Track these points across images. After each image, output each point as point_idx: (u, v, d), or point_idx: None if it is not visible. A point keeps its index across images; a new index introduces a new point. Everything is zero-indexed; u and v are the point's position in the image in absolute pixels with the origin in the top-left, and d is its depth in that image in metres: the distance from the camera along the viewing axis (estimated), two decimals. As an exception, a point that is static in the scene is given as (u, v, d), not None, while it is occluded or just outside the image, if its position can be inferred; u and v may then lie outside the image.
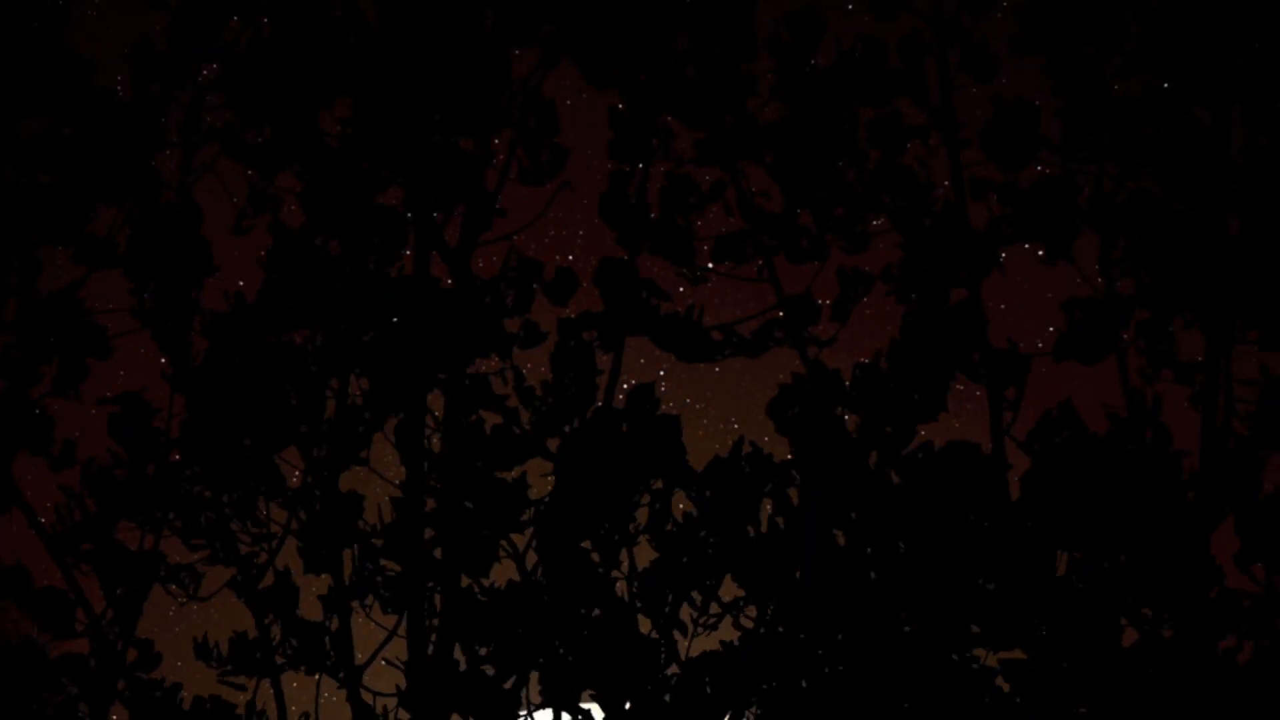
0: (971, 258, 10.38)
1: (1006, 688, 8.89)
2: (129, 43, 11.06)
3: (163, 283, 10.91)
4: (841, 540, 9.14)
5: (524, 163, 11.07)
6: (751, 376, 11.09)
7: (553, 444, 10.31)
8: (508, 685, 9.80)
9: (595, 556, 9.83)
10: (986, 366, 10.16)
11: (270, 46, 10.99)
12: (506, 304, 10.88)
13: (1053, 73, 10.51)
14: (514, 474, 10.35)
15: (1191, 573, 9.02)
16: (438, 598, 10.34)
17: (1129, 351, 10.33)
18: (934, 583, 8.87)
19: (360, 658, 10.44)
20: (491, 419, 10.55)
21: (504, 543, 10.26)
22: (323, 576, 10.53)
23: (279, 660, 10.46)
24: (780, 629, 9.03)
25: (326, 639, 10.45)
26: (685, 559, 9.52)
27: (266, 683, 10.45)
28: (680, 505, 9.84)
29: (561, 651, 9.50)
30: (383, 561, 10.48)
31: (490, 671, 9.73)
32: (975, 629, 8.93)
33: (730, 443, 9.79)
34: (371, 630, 10.48)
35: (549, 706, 9.66)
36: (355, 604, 10.47)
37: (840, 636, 8.88)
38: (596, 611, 9.60)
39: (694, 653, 9.46)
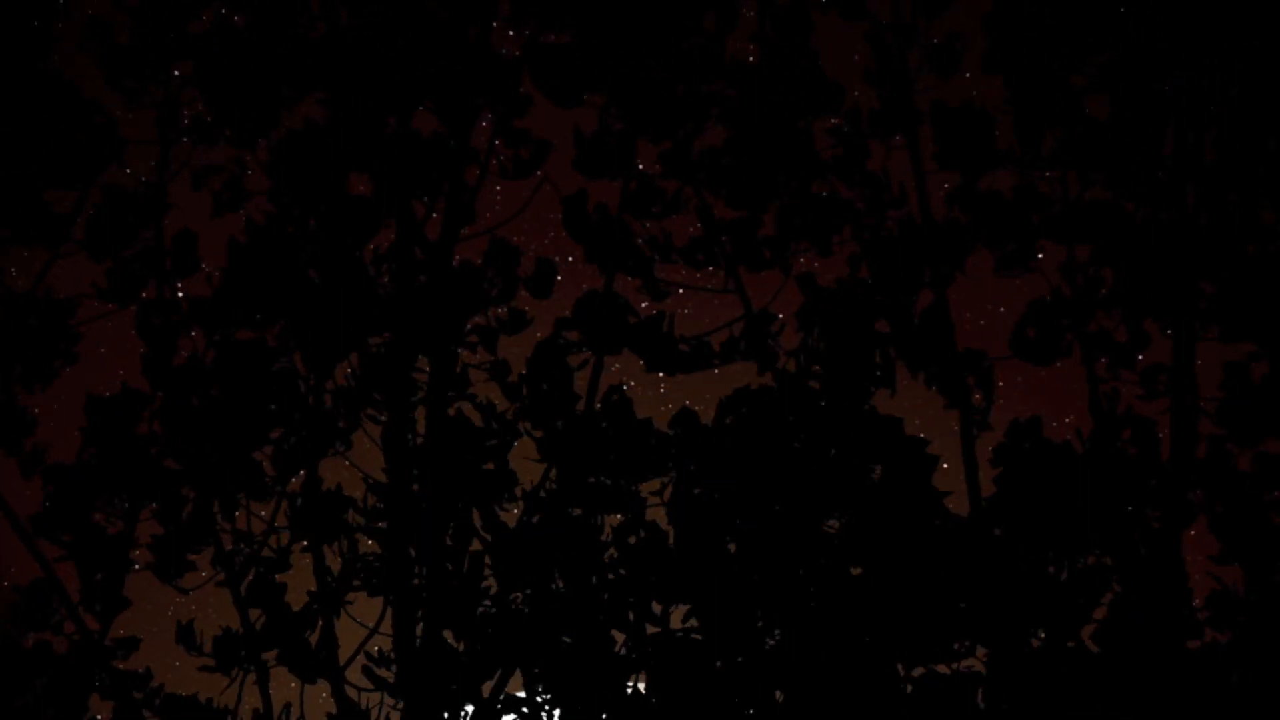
0: (936, 262, 10.34)
1: None
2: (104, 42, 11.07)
3: (131, 269, 10.86)
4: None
5: (504, 158, 11.03)
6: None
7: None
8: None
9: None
10: (953, 371, 10.12)
11: (243, 36, 10.97)
12: (490, 293, 10.85)
13: (1014, 87, 10.50)
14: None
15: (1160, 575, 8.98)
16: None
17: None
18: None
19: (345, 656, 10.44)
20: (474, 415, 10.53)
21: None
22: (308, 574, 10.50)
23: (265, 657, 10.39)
24: None
25: (310, 633, 10.37)
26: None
27: (251, 677, 10.43)
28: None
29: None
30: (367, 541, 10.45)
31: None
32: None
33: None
34: (355, 629, 10.52)
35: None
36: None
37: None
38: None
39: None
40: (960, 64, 10.80)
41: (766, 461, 9.07)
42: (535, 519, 9.92)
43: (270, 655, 10.43)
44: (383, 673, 10.16)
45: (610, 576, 9.36)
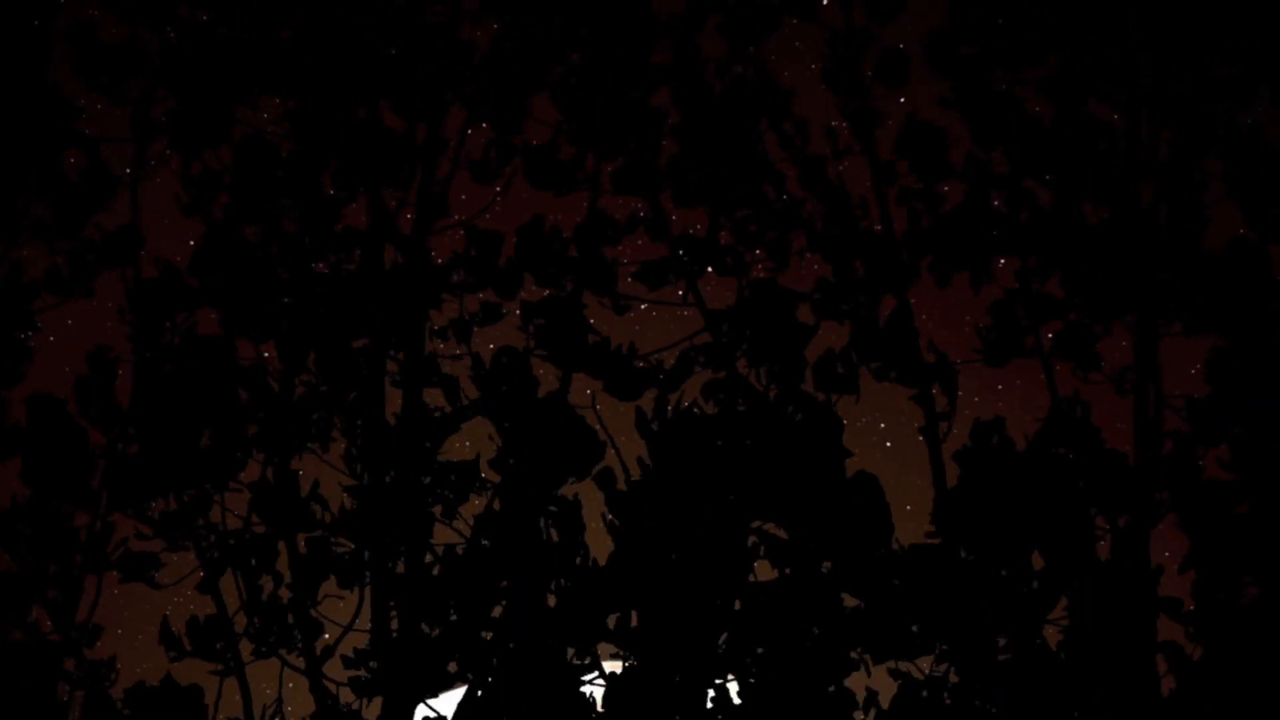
0: (896, 268, 10.46)
1: None
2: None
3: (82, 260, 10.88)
4: None
5: (474, 157, 11.12)
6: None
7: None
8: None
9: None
10: (918, 376, 10.27)
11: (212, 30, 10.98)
12: (463, 282, 10.96)
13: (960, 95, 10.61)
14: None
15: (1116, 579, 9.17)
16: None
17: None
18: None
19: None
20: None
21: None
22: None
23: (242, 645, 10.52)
24: None
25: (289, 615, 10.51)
26: None
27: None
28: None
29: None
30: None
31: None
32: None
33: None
34: (332, 622, 10.62)
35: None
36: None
37: None
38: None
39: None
40: (907, 75, 10.86)
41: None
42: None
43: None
44: (357, 672, 10.31)
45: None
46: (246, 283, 10.77)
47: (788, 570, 8.89)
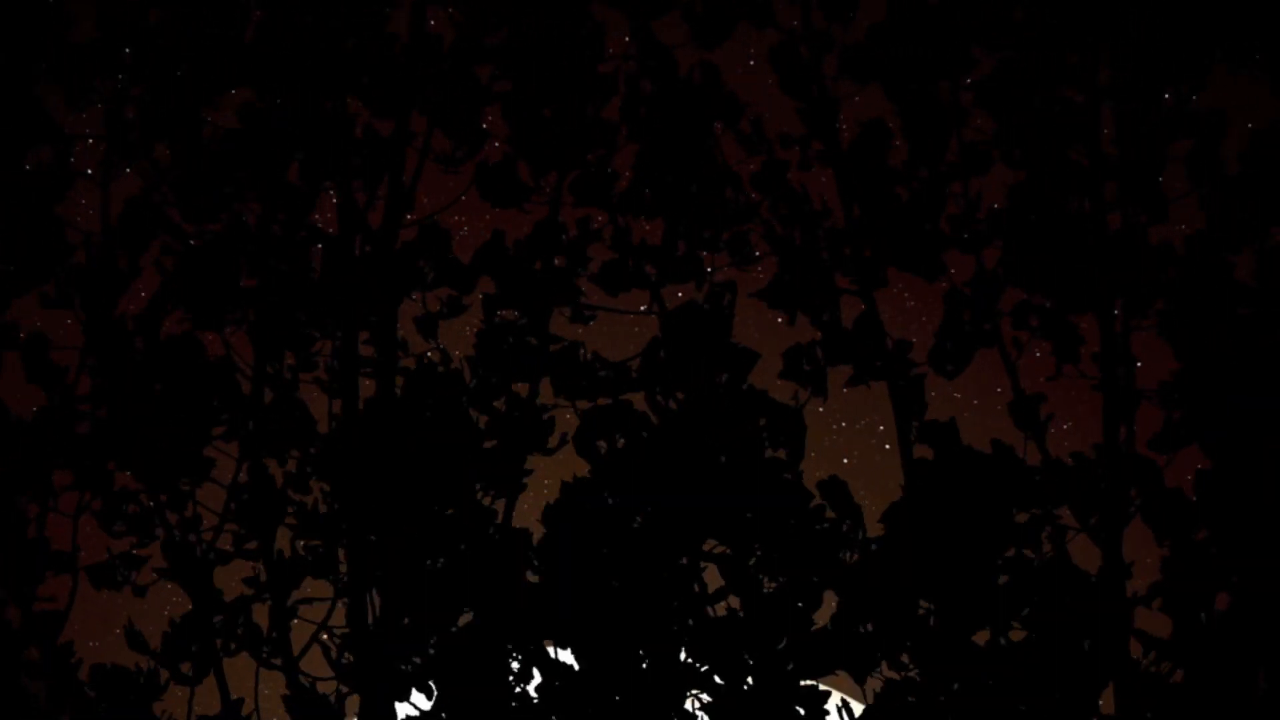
0: (860, 269, 10.53)
1: None
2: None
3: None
4: None
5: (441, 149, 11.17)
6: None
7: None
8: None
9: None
10: (885, 377, 10.37)
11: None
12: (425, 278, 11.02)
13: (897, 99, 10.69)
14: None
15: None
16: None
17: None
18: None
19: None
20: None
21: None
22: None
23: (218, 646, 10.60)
24: None
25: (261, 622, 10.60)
26: None
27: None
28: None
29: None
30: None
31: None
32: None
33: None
34: (305, 622, 10.70)
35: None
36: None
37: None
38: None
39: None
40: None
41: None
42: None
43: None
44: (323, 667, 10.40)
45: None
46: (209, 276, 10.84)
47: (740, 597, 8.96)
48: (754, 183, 10.76)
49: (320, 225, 11.13)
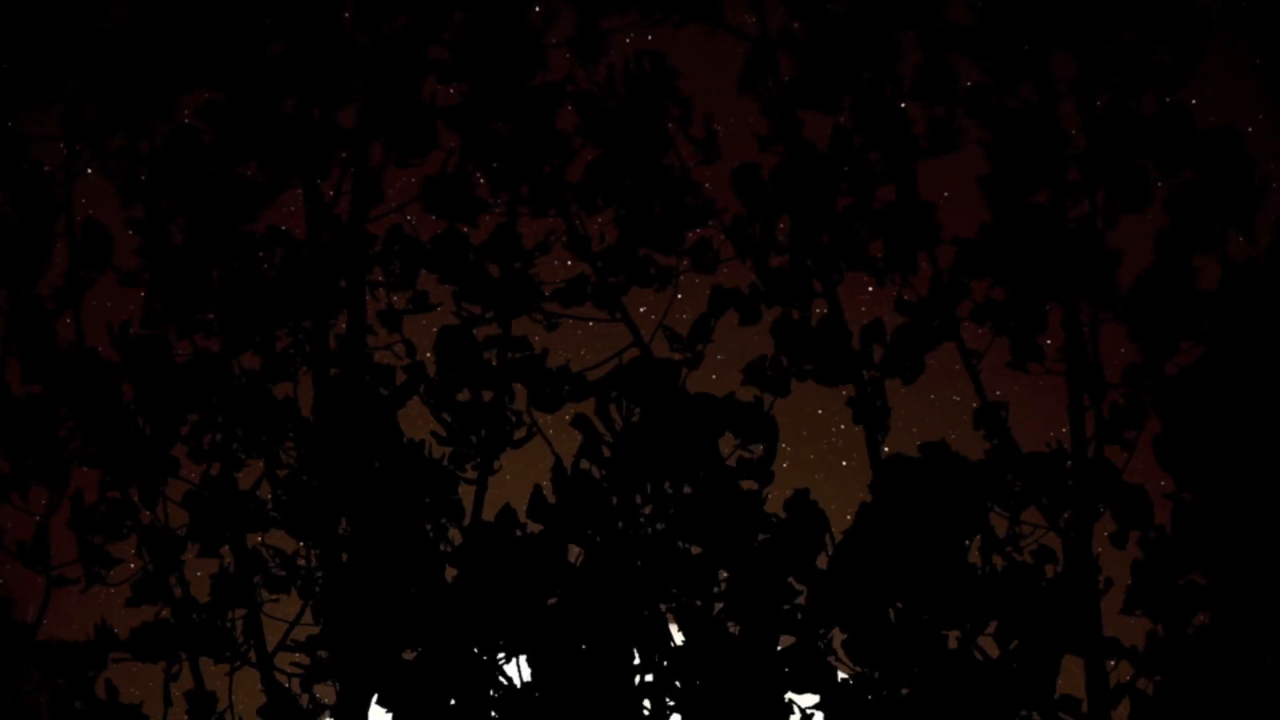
0: (824, 269, 10.56)
1: None
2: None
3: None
4: None
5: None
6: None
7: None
8: None
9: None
10: (849, 378, 10.42)
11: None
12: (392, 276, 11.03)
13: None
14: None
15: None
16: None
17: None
18: None
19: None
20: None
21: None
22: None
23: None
24: None
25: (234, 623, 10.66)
26: None
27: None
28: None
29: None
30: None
31: None
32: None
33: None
34: (278, 616, 10.78)
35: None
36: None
37: None
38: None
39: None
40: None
41: None
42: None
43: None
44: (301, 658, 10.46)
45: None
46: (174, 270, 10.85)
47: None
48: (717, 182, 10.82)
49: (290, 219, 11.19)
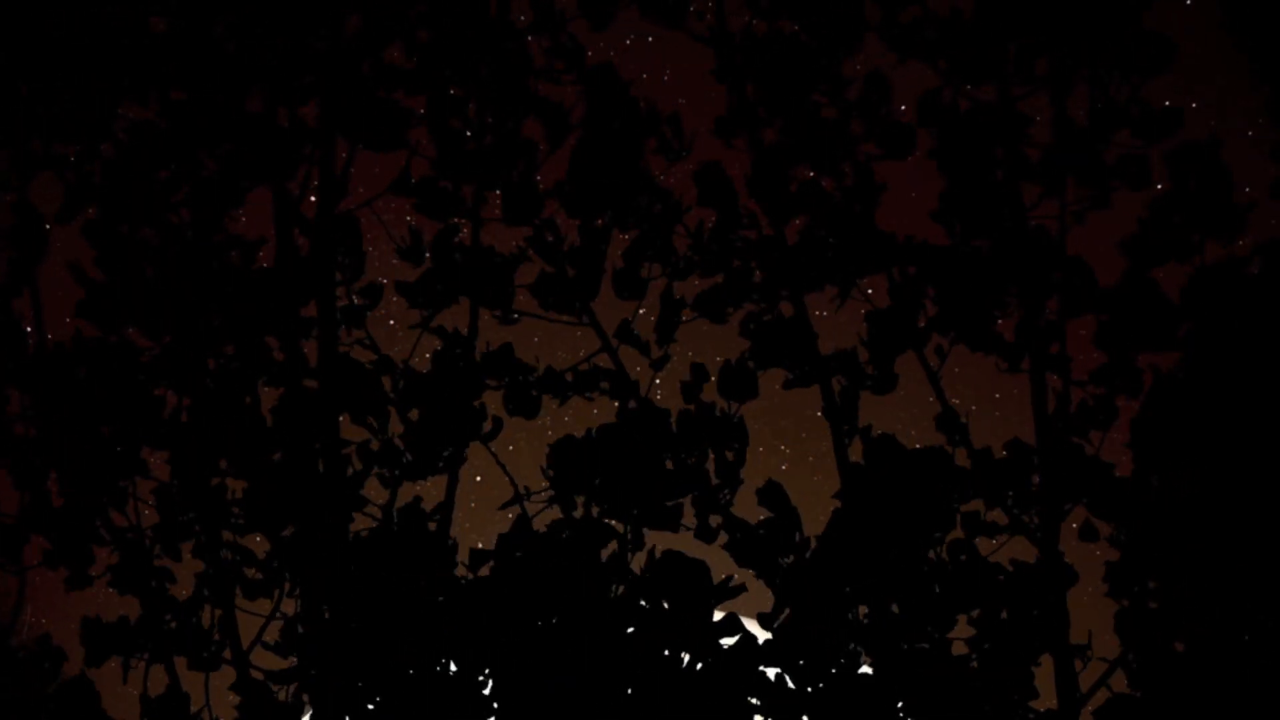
0: (792, 274, 10.64)
1: None
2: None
3: None
4: None
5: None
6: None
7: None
8: None
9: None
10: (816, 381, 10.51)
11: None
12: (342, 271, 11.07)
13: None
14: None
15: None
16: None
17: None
18: None
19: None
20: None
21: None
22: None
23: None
24: None
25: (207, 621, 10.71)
26: None
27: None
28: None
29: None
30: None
31: None
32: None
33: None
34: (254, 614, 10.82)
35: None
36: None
37: None
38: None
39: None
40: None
41: None
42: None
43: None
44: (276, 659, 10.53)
45: None
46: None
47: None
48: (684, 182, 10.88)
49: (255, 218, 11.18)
